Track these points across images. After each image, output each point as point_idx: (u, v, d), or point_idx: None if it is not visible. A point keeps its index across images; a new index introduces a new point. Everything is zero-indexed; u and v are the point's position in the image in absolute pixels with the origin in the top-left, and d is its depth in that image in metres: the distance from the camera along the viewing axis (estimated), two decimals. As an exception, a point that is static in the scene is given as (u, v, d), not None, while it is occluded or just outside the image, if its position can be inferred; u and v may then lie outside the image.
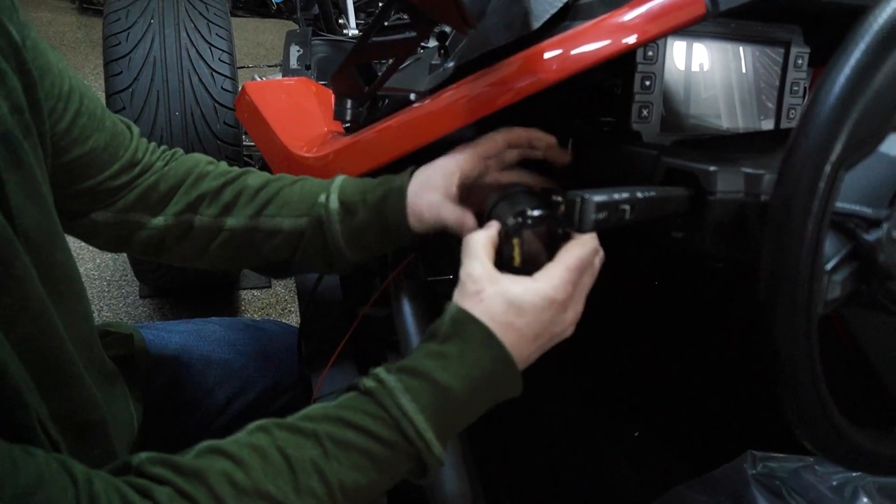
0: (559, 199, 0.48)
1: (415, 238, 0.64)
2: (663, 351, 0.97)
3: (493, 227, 0.51)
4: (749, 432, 0.83)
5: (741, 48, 0.65)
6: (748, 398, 0.86)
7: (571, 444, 0.99)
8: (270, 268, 0.70)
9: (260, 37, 3.94)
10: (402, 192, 0.62)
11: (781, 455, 0.69)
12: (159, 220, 0.65)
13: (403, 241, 0.64)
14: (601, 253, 0.52)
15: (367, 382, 0.47)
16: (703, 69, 0.64)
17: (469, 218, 0.59)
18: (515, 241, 0.49)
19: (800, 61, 0.67)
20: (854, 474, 0.66)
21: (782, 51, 0.66)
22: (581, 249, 0.49)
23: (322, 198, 0.65)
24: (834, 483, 0.65)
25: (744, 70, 0.66)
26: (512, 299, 0.48)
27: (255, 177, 0.68)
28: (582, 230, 0.44)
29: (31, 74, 0.50)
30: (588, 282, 0.51)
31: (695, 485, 0.68)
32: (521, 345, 0.48)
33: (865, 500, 0.62)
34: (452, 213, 0.60)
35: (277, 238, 0.65)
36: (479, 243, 0.50)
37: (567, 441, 0.99)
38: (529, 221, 0.49)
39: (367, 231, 0.64)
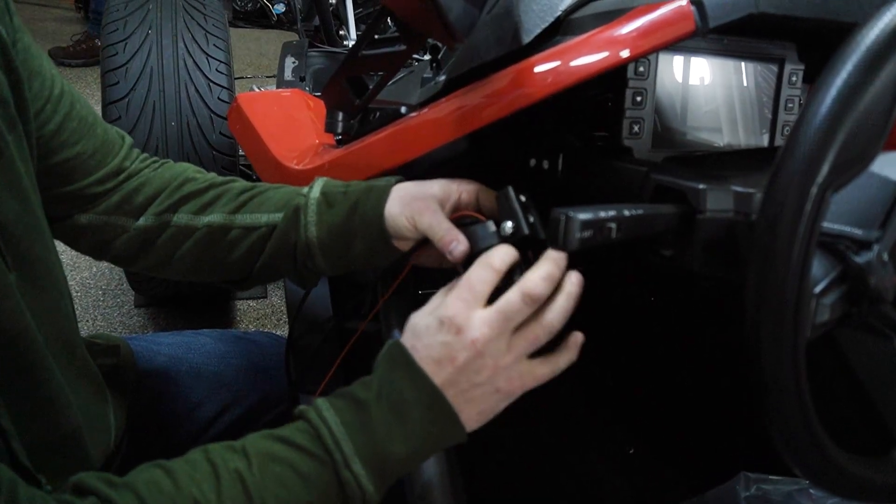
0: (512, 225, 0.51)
1: (386, 246, 0.61)
2: (658, 369, 0.96)
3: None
4: (746, 453, 0.82)
5: (742, 62, 0.65)
6: (745, 418, 0.85)
7: (564, 460, 0.97)
8: (235, 276, 0.68)
9: (263, 47, 3.96)
10: (385, 190, 0.61)
11: (776, 477, 0.68)
12: (140, 222, 0.65)
13: (375, 248, 0.61)
14: (493, 263, 0.49)
15: (302, 407, 0.49)
16: (703, 84, 0.63)
17: (454, 236, 0.55)
18: None
19: (794, 78, 0.66)
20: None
21: (776, 68, 0.66)
22: (475, 269, 0.50)
23: (304, 189, 0.64)
24: (829, 507, 0.64)
25: (745, 84, 0.65)
26: (414, 326, 0.51)
27: (242, 183, 0.68)
28: (567, 249, 0.43)
29: (18, 72, 0.52)
30: (496, 306, 0.48)
31: (687, 507, 0.67)
32: (429, 368, 0.49)
33: (860, 525, 0.60)
34: (441, 225, 0.56)
35: (253, 235, 0.64)
36: (436, 297, 0.53)
37: (560, 457, 0.98)
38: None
39: (342, 228, 0.61)
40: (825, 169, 0.33)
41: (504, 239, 0.51)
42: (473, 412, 0.50)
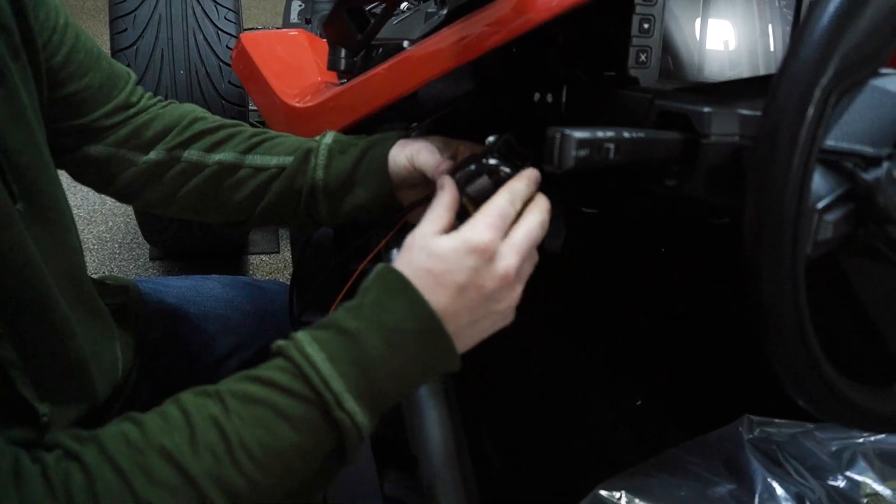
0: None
1: (386, 194, 0.62)
2: (665, 319, 0.94)
3: (447, 191, 0.51)
4: (756, 400, 0.81)
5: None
6: (755, 364, 0.84)
7: (573, 414, 0.97)
8: (235, 218, 0.68)
9: (278, 6, 3.91)
10: (392, 137, 0.62)
11: (780, 420, 0.67)
12: (151, 156, 0.65)
13: (377, 196, 0.63)
14: (542, 204, 0.49)
15: (279, 342, 0.45)
16: (718, 15, 0.60)
17: (445, 169, 0.55)
18: (463, 198, 0.50)
19: (814, 6, 0.63)
20: (856, 440, 0.64)
21: (795, -4, 0.63)
22: (501, 195, 0.48)
23: (317, 137, 0.65)
24: (833, 449, 0.63)
25: (768, 15, 0.62)
26: (434, 248, 0.46)
27: (252, 128, 0.69)
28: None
29: (22, 0, 0.51)
30: (522, 233, 0.47)
31: (688, 447, 0.66)
32: (442, 294, 0.45)
33: (864, 464, 0.60)
34: (432, 157, 0.59)
35: (261, 176, 0.64)
36: (432, 209, 0.50)
37: (569, 411, 0.98)
38: (471, 172, 0.49)
39: (349, 174, 0.63)
40: (831, 69, 0.31)
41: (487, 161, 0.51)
42: (472, 340, 0.48)
